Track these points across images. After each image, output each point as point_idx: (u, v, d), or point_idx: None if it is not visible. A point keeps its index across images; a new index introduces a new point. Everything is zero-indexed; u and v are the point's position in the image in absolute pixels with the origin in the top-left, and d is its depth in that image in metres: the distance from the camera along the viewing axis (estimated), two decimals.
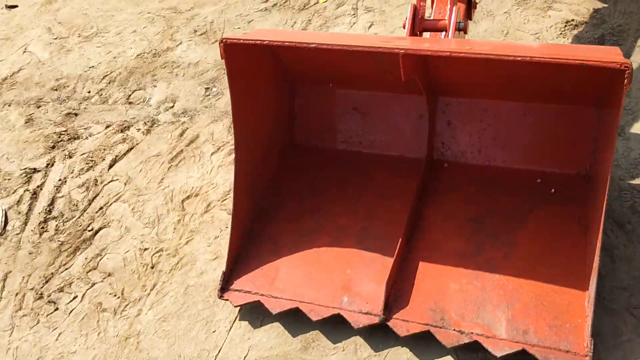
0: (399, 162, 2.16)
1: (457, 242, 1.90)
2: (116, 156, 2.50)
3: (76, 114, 2.75)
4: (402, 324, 1.74)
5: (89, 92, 2.85)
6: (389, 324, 1.74)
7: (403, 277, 1.83)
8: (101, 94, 2.82)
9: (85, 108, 2.77)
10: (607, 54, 1.59)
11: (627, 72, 1.46)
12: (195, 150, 2.45)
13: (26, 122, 2.74)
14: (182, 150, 2.46)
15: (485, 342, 1.66)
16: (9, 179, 2.49)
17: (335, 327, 1.79)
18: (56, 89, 2.90)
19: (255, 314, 1.86)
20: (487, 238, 1.90)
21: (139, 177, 2.39)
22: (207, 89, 2.76)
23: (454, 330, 1.70)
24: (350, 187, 2.10)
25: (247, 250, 1.97)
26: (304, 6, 3.09)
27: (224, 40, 1.75)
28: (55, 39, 3.20)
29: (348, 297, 1.82)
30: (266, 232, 2.01)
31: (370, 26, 2.90)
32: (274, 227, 2.02)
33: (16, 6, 3.49)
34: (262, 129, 2.08)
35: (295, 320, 1.82)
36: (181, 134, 2.55)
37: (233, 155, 1.95)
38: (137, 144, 2.53)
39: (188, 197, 2.27)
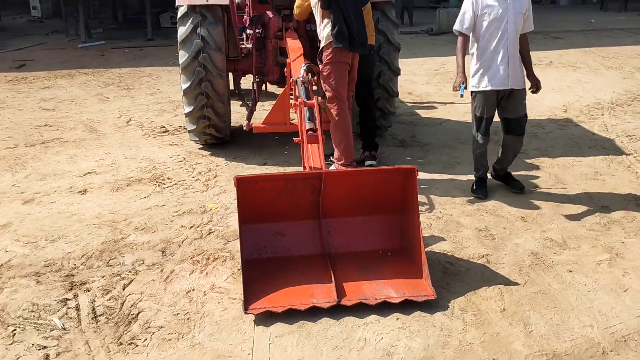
0: None
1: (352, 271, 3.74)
2: (124, 285, 3.83)
3: (73, 275, 4.00)
4: (346, 302, 3.45)
5: (75, 265, 4.13)
6: (341, 303, 3.43)
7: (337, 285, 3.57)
8: (86, 264, 4.13)
9: (78, 272, 4.04)
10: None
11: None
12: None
13: (37, 283, 3.89)
14: (172, 271, 3.92)
15: (372, 302, 3.44)
16: (49, 306, 3.61)
17: (313, 314, 3.39)
18: (47, 266, 4.11)
19: (266, 316, 3.37)
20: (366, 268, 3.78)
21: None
22: (162, 252, 4.28)
23: (368, 299, 3.46)
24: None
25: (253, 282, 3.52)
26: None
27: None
28: (27, 243, 4.43)
29: (315, 299, 3.47)
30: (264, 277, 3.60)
31: None
32: (267, 276, 3.64)
33: None
34: None
35: (289, 316, 3.37)
36: (162, 271, 4.00)
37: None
38: (135, 278, 3.91)
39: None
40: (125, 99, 8.81)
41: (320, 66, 5.17)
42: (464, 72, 4.90)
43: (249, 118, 6.05)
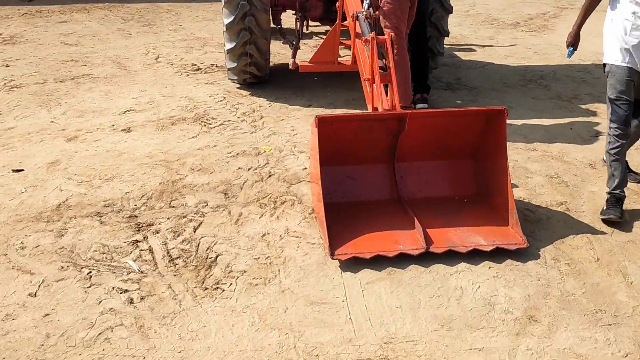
0: None
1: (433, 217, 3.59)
2: (194, 227, 3.66)
3: (136, 216, 3.82)
4: (435, 249, 3.30)
5: (136, 205, 3.95)
6: (430, 250, 3.28)
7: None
8: (147, 205, 3.95)
9: (140, 213, 3.86)
10: None
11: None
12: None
13: (101, 224, 3.71)
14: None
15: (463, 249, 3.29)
16: (120, 248, 3.44)
17: (401, 261, 3.25)
18: (107, 206, 3.93)
19: (352, 262, 3.22)
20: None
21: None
22: (224, 194, 4.10)
23: (457, 246, 3.31)
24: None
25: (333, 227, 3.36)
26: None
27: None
28: (81, 182, 4.23)
29: (402, 245, 3.32)
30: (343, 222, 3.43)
31: None
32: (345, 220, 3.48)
33: (22, 170, 4.41)
34: None
35: (375, 263, 3.23)
36: (229, 214, 3.83)
37: None
38: (203, 220, 3.74)
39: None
40: (149, 35, 8.45)
41: (381, 1, 4.88)
42: (577, 33, 3.99)
43: (294, 56, 5.78)
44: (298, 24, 6.09)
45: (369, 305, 2.99)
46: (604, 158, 4.04)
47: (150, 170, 4.42)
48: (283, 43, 6.14)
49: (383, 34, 4.57)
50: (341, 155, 3.76)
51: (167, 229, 3.65)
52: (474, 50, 7.90)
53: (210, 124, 5.33)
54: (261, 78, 6.19)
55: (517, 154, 4.76)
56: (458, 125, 3.77)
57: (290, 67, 5.67)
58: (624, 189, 3.80)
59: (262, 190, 4.15)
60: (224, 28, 5.75)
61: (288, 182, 4.27)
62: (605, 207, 3.74)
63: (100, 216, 3.81)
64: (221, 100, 5.91)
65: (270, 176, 4.37)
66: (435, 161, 3.93)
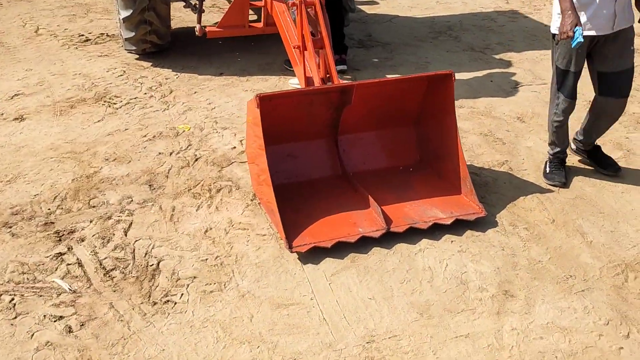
0: None
1: (384, 191, 3.39)
2: (124, 229, 3.25)
3: (53, 223, 3.34)
4: (395, 228, 3.11)
5: (50, 209, 3.46)
6: (391, 230, 3.09)
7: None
8: (62, 207, 3.47)
9: (57, 218, 3.39)
10: None
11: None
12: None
13: (13, 236, 3.21)
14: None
15: (423, 225, 3.14)
16: (42, 265, 2.98)
17: (362, 245, 3.04)
18: (16, 214, 3.41)
19: (310, 253, 2.97)
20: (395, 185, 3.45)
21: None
22: (150, 186, 3.69)
23: (417, 223, 3.15)
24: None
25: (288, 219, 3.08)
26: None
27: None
28: None
29: (362, 228, 3.10)
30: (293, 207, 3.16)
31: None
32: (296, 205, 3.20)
33: None
34: None
35: (336, 250, 3.00)
36: (160, 209, 3.44)
37: None
38: (132, 219, 3.33)
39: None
40: (23, 4, 7.51)
41: None
42: (575, 10, 3.21)
43: (199, 21, 5.30)
44: None
45: (340, 300, 2.77)
46: (572, 147, 3.91)
47: (57, 166, 3.89)
48: (184, 7, 5.62)
49: None
50: (280, 133, 3.45)
51: (93, 235, 3.22)
52: (377, 3, 7.68)
53: (115, 103, 4.80)
54: (162, 46, 5.67)
55: None
56: (402, 93, 3.56)
57: (196, 33, 5.20)
58: (566, 150, 3.78)
59: (192, 178, 3.77)
60: None
61: (218, 165, 3.91)
62: (548, 170, 3.70)
63: (10, 227, 3.30)
64: (121, 75, 5.35)
65: (196, 160, 3.98)
66: (376, 131, 3.72)
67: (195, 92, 5.00)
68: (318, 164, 3.62)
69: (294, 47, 3.85)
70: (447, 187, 3.47)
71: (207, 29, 5.18)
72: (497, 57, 5.86)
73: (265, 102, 3.12)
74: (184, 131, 4.36)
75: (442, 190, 3.46)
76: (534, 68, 5.55)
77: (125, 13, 5.22)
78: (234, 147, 4.12)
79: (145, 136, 4.28)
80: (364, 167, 3.67)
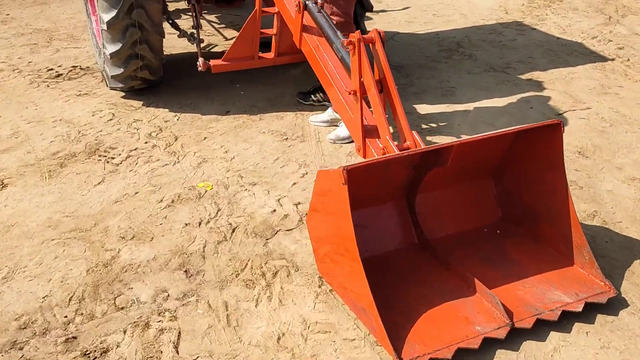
0: None
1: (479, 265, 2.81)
2: (173, 343, 2.54)
3: (75, 337, 2.61)
4: (521, 322, 2.52)
5: (67, 316, 2.71)
6: (517, 326, 2.49)
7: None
8: (83, 312, 2.73)
9: (79, 329, 2.65)
10: None
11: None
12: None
13: None
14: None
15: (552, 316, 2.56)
16: None
17: (483, 346, 2.43)
18: (24, 327, 2.65)
19: None
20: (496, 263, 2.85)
21: None
22: (185, 272, 2.98)
23: (543, 312, 2.56)
24: None
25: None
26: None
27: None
28: None
29: (480, 326, 2.49)
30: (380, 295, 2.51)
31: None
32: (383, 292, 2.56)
33: None
34: None
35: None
36: (209, 307, 2.75)
37: None
38: (178, 326, 2.62)
39: None
40: None
41: None
42: None
43: (200, 54, 4.57)
44: (194, 10, 4.84)
45: None
46: None
47: (63, 251, 3.13)
48: (179, 37, 4.88)
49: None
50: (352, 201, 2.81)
51: (134, 354, 2.49)
52: (371, 18, 7.10)
53: (113, 158, 4.04)
54: (154, 82, 4.92)
55: None
56: (493, 145, 2.98)
57: (199, 68, 4.48)
58: None
59: (235, 257, 3.08)
60: (103, 26, 4.38)
61: (262, 237, 3.24)
62: None
63: (21, 348, 2.54)
64: (111, 119, 4.57)
65: (233, 231, 3.29)
66: (451, 186, 3.13)
67: (205, 138, 4.29)
68: (391, 232, 3.00)
69: (349, 93, 3.19)
70: (553, 256, 2.91)
71: (211, 63, 4.47)
72: (523, 77, 5.37)
73: (354, 176, 2.46)
74: (206, 191, 3.66)
75: (549, 261, 2.89)
76: (569, 89, 5.08)
77: (112, 47, 4.45)
78: (274, 210, 3.45)
79: (161, 201, 3.55)
80: (442, 232, 3.07)
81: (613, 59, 5.77)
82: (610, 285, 2.71)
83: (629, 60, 5.74)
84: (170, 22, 4.90)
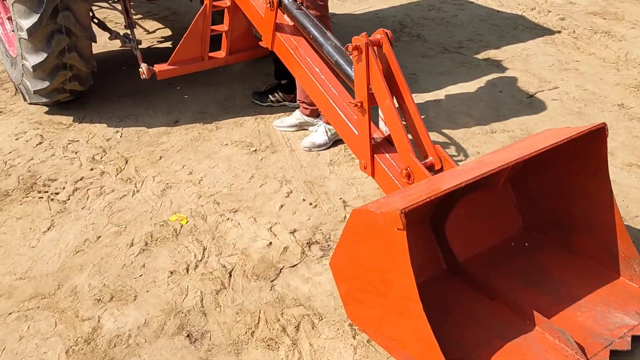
0: None
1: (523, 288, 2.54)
2: None
3: None
4: (596, 358, 2.26)
5: None
6: None
7: None
8: None
9: None
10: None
11: None
12: None
13: None
14: None
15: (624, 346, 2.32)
16: None
17: None
18: None
19: None
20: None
21: None
22: (188, 337, 2.50)
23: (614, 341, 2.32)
24: None
25: None
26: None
27: None
28: None
29: None
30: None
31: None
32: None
33: None
34: None
35: None
36: None
37: None
38: None
39: None
40: None
41: None
42: None
43: (141, 59, 3.95)
44: (123, 6, 4.17)
45: None
46: None
47: (28, 328, 2.53)
48: (110, 39, 4.21)
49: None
50: None
51: None
52: None
53: (56, 193, 3.40)
54: (83, 93, 4.25)
55: (472, 136, 3.85)
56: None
57: (142, 76, 3.87)
58: None
59: (242, 309, 2.62)
60: (22, 34, 3.67)
61: (265, 278, 2.79)
62: None
63: None
64: (41, 143, 3.89)
65: (230, 274, 2.82)
66: (469, 196, 2.80)
67: (160, 157, 3.73)
68: (419, 260, 2.64)
69: (355, 104, 2.76)
70: (597, 270, 2.67)
71: (156, 69, 3.88)
72: (479, 57, 5.14)
73: (410, 218, 2.06)
74: (181, 225, 3.14)
75: (594, 275, 2.65)
76: (529, 68, 4.90)
77: (35, 58, 3.75)
78: (269, 243, 3.00)
79: (132, 244, 3.00)
80: (469, 252, 2.75)
81: (559, 32, 5.67)
82: None
83: (574, 32, 5.66)
84: (97, 21, 4.22)
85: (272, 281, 2.78)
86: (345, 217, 3.19)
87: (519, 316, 2.42)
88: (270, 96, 4.28)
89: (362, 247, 2.28)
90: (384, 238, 2.13)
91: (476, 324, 2.41)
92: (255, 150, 3.80)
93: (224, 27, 3.94)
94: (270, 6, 3.18)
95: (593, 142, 2.53)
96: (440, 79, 4.72)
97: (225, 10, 3.87)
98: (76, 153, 3.77)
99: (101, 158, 3.72)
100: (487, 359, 2.26)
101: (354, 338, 2.47)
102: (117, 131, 4.00)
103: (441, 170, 2.65)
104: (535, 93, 4.50)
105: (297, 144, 3.84)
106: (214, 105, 4.33)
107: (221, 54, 4.07)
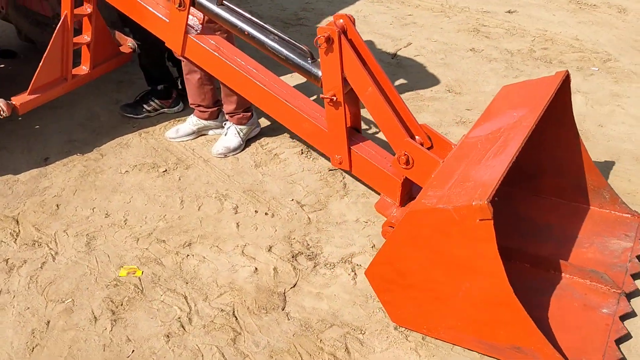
0: None
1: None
2: None
3: None
4: (627, 287, 2.44)
5: None
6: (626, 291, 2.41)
7: None
8: None
9: None
10: None
11: None
12: None
13: None
14: None
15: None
16: None
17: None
18: None
19: None
20: None
21: None
22: None
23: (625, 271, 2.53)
24: None
25: None
26: None
27: None
28: None
29: (606, 309, 2.34)
30: None
31: None
32: None
33: None
34: None
35: None
36: None
37: None
38: None
39: None
40: None
41: None
42: None
43: None
44: None
45: None
46: None
47: None
48: None
49: None
50: None
51: None
52: None
53: None
54: None
55: None
56: None
57: (3, 114, 3.14)
58: None
59: (275, 350, 2.32)
60: None
61: (274, 308, 2.50)
62: None
63: None
64: None
65: (234, 316, 2.47)
66: None
67: (57, 206, 3.09)
68: None
69: (327, 99, 2.52)
70: (567, 207, 2.87)
71: (15, 102, 3.18)
72: None
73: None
74: (139, 278, 2.66)
75: (568, 213, 2.83)
76: (375, 29, 5.02)
77: None
78: (255, 270, 2.69)
79: (96, 318, 2.47)
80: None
81: None
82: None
83: None
84: None
85: (283, 309, 2.50)
86: (308, 218, 2.99)
87: (542, 269, 2.51)
88: (145, 105, 3.78)
89: (422, 246, 2.15)
90: (459, 232, 2.02)
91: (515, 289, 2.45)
92: (165, 170, 3.34)
93: (85, 39, 3.35)
94: (180, 6, 2.75)
95: (558, 90, 2.67)
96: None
97: (86, 18, 3.29)
98: None
99: None
100: (544, 320, 2.31)
101: (408, 340, 2.35)
102: None
103: (431, 147, 2.59)
104: (396, 53, 4.62)
105: (207, 153, 3.47)
106: (79, 130, 3.70)
107: (83, 69, 3.47)
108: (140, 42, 3.60)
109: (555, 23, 5.07)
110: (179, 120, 3.73)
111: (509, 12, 5.26)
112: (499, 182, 2.03)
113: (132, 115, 3.78)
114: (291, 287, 2.61)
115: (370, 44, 4.74)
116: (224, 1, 2.72)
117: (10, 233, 2.91)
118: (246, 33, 2.68)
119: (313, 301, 2.54)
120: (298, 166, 3.37)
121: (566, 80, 2.65)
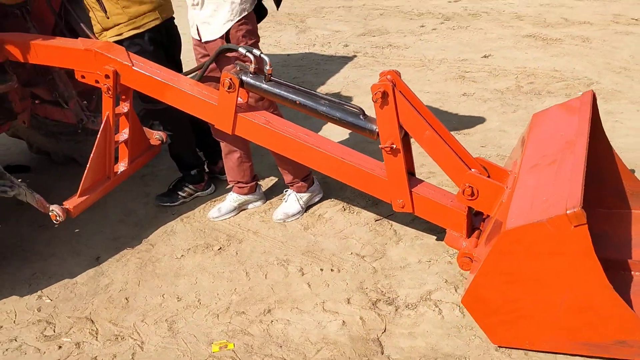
0: None
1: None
2: None
3: None
4: None
5: None
6: None
7: None
8: None
9: None
10: None
11: None
12: None
13: None
14: None
15: None
16: None
17: None
18: None
19: None
20: None
21: None
22: None
23: None
24: None
25: None
26: None
27: None
28: None
29: None
30: None
31: None
32: None
33: None
34: None
35: None
36: None
37: None
38: None
39: None
40: None
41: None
42: None
43: (44, 200, 3.26)
44: None
45: None
46: None
47: None
48: None
49: None
50: None
51: None
52: None
53: None
54: None
55: None
56: None
57: (57, 219, 3.22)
58: None
59: None
60: None
61: (374, 354, 2.59)
62: None
63: None
64: None
65: None
66: None
67: (127, 300, 3.13)
68: None
69: (386, 149, 2.71)
70: (614, 215, 3.07)
71: (68, 207, 3.26)
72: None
73: None
74: (233, 350, 2.72)
75: (618, 220, 3.04)
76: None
77: None
78: (343, 323, 2.78)
79: None
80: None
81: None
82: None
83: None
84: None
85: (383, 353, 2.59)
86: (373, 267, 3.11)
87: (614, 271, 2.68)
88: (180, 192, 3.90)
89: (519, 264, 2.30)
90: (555, 242, 2.19)
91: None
92: (220, 248, 3.44)
93: (124, 136, 3.49)
94: (229, 89, 2.94)
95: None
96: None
97: (123, 116, 3.44)
98: (18, 344, 2.94)
99: (54, 332, 2.98)
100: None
101: (511, 357, 2.46)
102: (39, 296, 3.23)
103: (488, 177, 2.79)
104: None
105: (254, 225, 3.59)
106: (121, 226, 3.77)
107: (122, 165, 3.59)
108: (171, 132, 3.75)
109: (530, 60, 5.47)
110: (215, 201, 3.86)
111: (485, 56, 5.64)
112: (583, 189, 2.22)
113: (169, 204, 3.88)
114: (382, 332, 2.70)
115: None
116: (271, 77, 2.93)
117: (89, 332, 2.94)
118: (297, 102, 2.88)
119: (408, 341, 2.64)
120: (345, 222, 3.52)
121: (594, 99, 2.91)
